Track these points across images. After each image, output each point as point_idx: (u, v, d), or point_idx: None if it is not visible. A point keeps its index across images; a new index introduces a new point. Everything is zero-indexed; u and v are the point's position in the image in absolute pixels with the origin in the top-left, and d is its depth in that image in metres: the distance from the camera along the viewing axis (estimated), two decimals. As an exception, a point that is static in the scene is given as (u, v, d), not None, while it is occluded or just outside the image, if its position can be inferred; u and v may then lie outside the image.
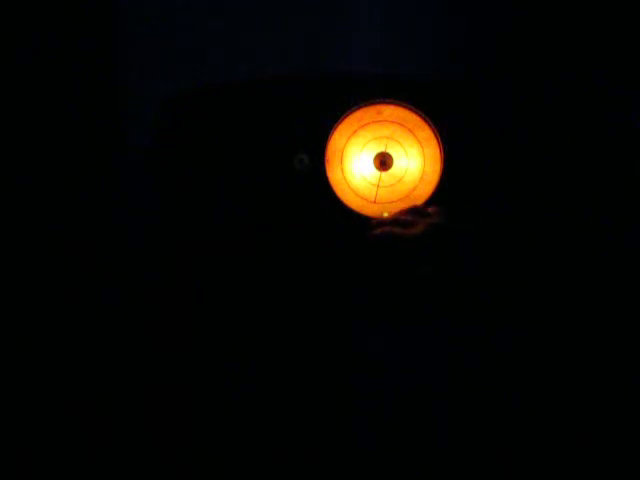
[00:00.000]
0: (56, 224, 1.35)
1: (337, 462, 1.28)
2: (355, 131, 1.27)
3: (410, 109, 1.26)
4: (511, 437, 1.27)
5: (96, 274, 1.36)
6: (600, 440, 1.25)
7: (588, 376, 1.28)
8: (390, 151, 1.26)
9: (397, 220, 1.22)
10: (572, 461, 1.26)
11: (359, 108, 1.26)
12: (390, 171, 1.26)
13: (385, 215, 1.25)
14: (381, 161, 1.26)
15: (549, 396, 1.28)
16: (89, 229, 1.36)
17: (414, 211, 1.23)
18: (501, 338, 1.29)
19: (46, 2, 1.35)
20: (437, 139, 1.25)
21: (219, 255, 1.32)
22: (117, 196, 1.37)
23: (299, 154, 1.29)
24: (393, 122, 1.26)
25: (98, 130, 1.37)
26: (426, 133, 1.26)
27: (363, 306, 1.31)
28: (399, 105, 1.26)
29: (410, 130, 1.26)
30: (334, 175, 1.27)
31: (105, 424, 1.33)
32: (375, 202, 1.26)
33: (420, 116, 1.26)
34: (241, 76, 1.37)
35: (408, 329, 1.31)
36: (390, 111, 1.26)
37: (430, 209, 1.23)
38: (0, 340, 1.32)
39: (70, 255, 1.35)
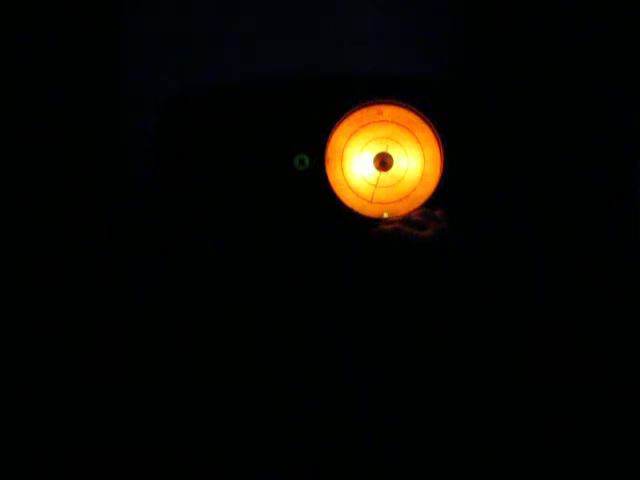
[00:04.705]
0: (56, 224, 1.35)
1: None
2: (355, 131, 1.27)
3: (410, 109, 1.26)
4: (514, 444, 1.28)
5: (96, 274, 1.36)
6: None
7: (587, 377, 1.28)
8: (390, 151, 1.26)
9: (408, 220, 1.22)
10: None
11: (359, 108, 1.26)
12: (390, 172, 1.26)
13: (385, 215, 1.25)
14: (381, 161, 1.26)
15: (551, 401, 1.28)
16: (89, 229, 1.36)
17: (425, 214, 1.23)
18: (502, 341, 1.29)
19: (46, 2, 1.35)
20: (437, 140, 1.26)
21: (219, 255, 1.32)
22: (117, 196, 1.37)
23: (299, 154, 1.29)
24: (393, 122, 1.26)
25: (98, 130, 1.37)
26: (426, 134, 1.26)
27: (364, 305, 1.31)
28: (399, 105, 1.26)
29: (410, 131, 1.26)
30: (334, 175, 1.27)
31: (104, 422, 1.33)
32: (372, 202, 1.26)
33: (420, 116, 1.26)
34: (241, 76, 1.37)
35: (409, 329, 1.31)
36: (390, 111, 1.26)
37: (438, 213, 1.23)
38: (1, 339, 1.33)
39: (70, 256, 1.35)
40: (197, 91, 1.34)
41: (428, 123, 1.26)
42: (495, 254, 1.29)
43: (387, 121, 1.26)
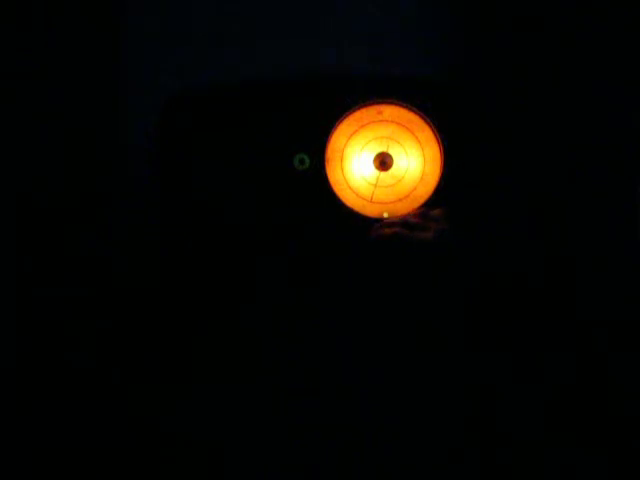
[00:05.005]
0: (55, 224, 1.35)
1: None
2: (355, 131, 1.27)
3: (410, 109, 1.26)
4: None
5: (95, 275, 1.36)
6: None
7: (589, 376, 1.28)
8: (390, 151, 1.26)
9: (407, 222, 1.22)
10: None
11: (359, 108, 1.26)
12: (390, 171, 1.26)
13: (385, 215, 1.25)
14: (381, 161, 1.26)
15: (552, 401, 1.28)
16: (88, 230, 1.36)
17: (424, 215, 1.23)
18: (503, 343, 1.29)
19: (46, 2, 1.35)
20: (437, 139, 1.26)
21: (218, 255, 1.32)
22: (117, 196, 1.37)
23: (299, 154, 1.29)
24: (393, 122, 1.26)
25: (98, 130, 1.37)
26: (426, 133, 1.26)
27: (364, 305, 1.31)
28: (399, 105, 1.26)
29: (410, 130, 1.26)
30: (334, 175, 1.27)
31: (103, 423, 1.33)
32: (372, 202, 1.26)
33: (420, 116, 1.26)
34: (241, 76, 1.37)
35: (409, 329, 1.31)
36: (390, 111, 1.26)
37: (437, 212, 1.23)
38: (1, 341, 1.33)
39: (69, 256, 1.35)
40: (197, 91, 1.33)
41: (428, 123, 1.26)
42: (495, 254, 1.29)
43: (387, 121, 1.26)
